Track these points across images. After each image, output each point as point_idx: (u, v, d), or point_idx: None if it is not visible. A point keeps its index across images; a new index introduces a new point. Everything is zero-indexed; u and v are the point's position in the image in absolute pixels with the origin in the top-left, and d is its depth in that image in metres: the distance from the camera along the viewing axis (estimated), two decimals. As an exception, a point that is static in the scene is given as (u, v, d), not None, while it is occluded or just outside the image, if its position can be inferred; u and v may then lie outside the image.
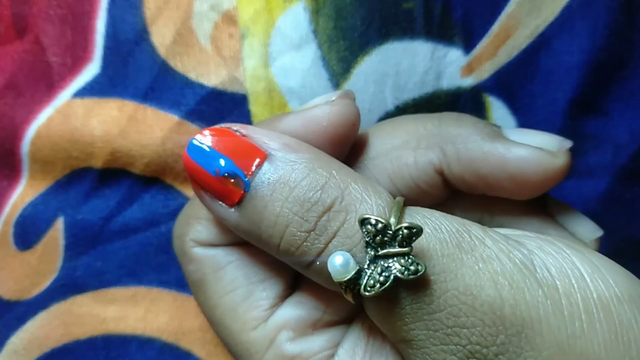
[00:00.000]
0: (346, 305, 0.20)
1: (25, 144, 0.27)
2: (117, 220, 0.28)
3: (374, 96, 0.27)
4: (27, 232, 0.28)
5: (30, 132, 0.27)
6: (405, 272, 0.16)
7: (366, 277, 0.17)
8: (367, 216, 0.17)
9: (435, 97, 0.27)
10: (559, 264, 0.17)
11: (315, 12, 0.27)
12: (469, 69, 0.27)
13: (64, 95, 0.27)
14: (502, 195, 0.21)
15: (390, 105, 0.27)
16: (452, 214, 0.18)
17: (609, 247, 0.23)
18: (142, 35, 0.27)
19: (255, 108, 0.27)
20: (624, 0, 0.27)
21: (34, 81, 0.27)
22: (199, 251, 0.21)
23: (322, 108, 0.20)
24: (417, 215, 0.18)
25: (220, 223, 0.21)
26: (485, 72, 0.27)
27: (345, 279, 0.17)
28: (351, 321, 0.21)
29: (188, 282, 0.22)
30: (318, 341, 0.20)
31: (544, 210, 0.22)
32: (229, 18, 0.27)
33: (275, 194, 0.18)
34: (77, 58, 0.27)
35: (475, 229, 0.18)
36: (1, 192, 0.28)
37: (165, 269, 0.28)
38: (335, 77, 0.27)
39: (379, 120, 0.27)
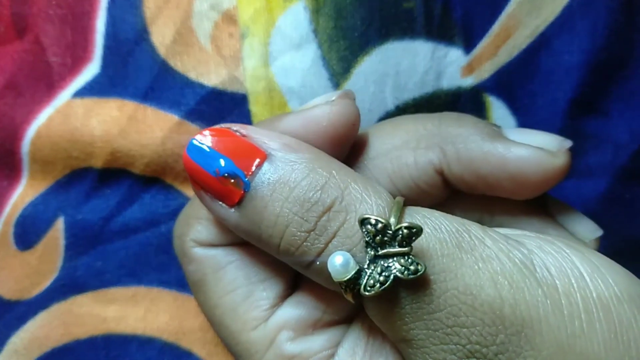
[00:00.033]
0: (346, 305, 0.20)
1: (26, 144, 0.27)
2: (117, 220, 0.28)
3: (374, 96, 0.27)
4: (27, 232, 0.28)
5: (31, 132, 0.27)
6: (405, 272, 0.16)
7: (366, 277, 0.17)
8: (367, 216, 0.17)
9: (436, 97, 0.27)
10: (559, 264, 0.17)
11: (316, 11, 0.27)
12: (469, 69, 0.27)
13: (64, 95, 0.27)
14: (502, 195, 0.21)
15: (390, 105, 0.27)
16: (452, 214, 0.18)
17: (608, 247, 0.23)
18: (142, 35, 0.27)
19: (255, 108, 0.27)
20: (624, 0, 0.27)
21: (34, 81, 0.27)
22: (199, 251, 0.21)
23: (322, 108, 0.20)
24: (417, 215, 0.18)
25: (221, 223, 0.21)
26: (485, 72, 0.27)
27: (345, 278, 0.17)
28: (351, 321, 0.21)
29: (188, 282, 0.22)
30: (318, 341, 0.20)
31: (544, 210, 0.22)
32: (229, 17, 0.27)
33: (275, 194, 0.18)
34: (77, 58, 0.27)
35: (475, 228, 0.18)
36: (1, 192, 0.28)
37: (165, 269, 0.28)
38: (336, 76, 0.27)
39: (379, 120, 0.27)
